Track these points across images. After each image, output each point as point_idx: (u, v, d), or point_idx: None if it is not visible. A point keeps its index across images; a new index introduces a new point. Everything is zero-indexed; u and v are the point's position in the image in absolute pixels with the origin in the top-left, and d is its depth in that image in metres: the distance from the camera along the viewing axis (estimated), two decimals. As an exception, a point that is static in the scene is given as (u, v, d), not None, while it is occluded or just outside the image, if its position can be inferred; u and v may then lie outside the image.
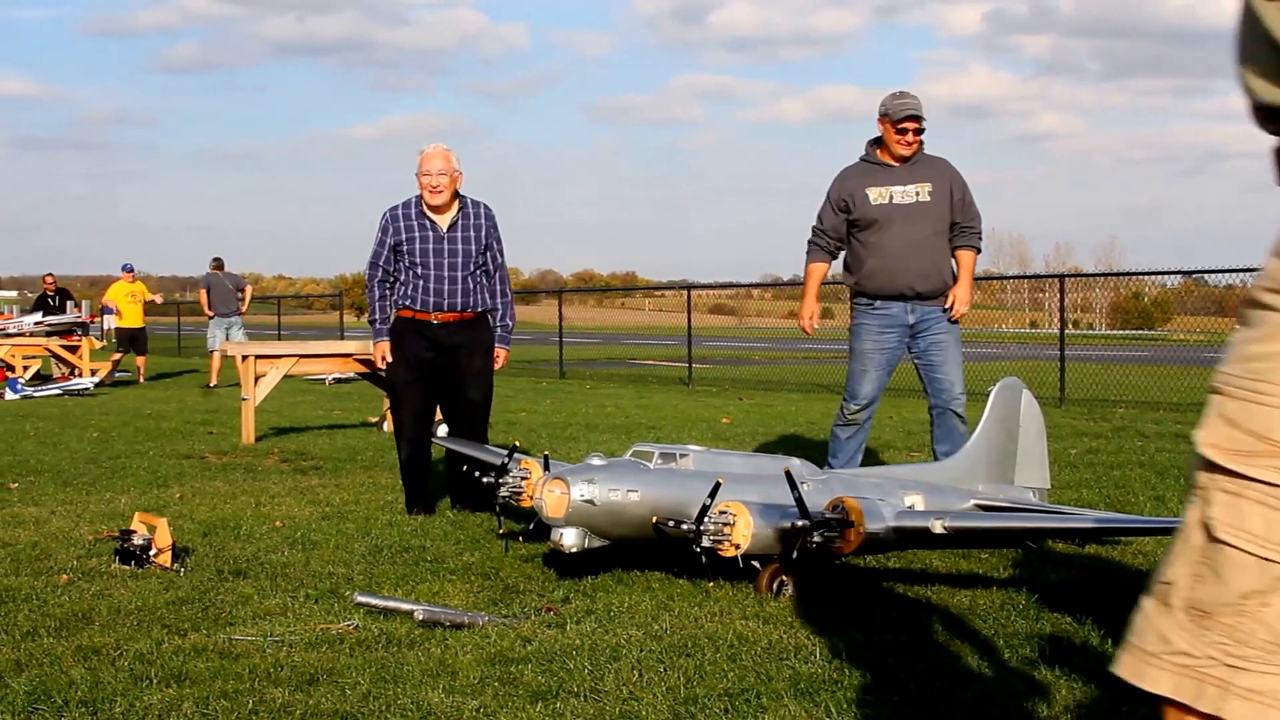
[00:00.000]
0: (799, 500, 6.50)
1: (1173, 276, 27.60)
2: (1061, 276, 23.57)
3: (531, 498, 7.38)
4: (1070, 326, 28.80)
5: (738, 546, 6.50)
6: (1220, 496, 1.91)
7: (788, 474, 6.62)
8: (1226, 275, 22.43)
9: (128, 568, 7.24)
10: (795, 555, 6.55)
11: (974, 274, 9.40)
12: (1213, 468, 1.92)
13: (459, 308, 9.42)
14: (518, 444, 8.25)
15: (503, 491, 7.74)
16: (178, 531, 7.95)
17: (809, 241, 9.51)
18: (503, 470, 7.81)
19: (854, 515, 6.54)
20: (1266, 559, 1.85)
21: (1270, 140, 1.90)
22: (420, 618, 6.03)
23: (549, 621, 6.09)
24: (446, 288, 9.35)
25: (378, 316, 9.54)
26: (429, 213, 9.40)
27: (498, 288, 9.73)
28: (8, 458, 13.04)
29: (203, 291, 27.34)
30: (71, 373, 25.57)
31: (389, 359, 9.50)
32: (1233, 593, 1.88)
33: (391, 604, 6.30)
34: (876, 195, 9.10)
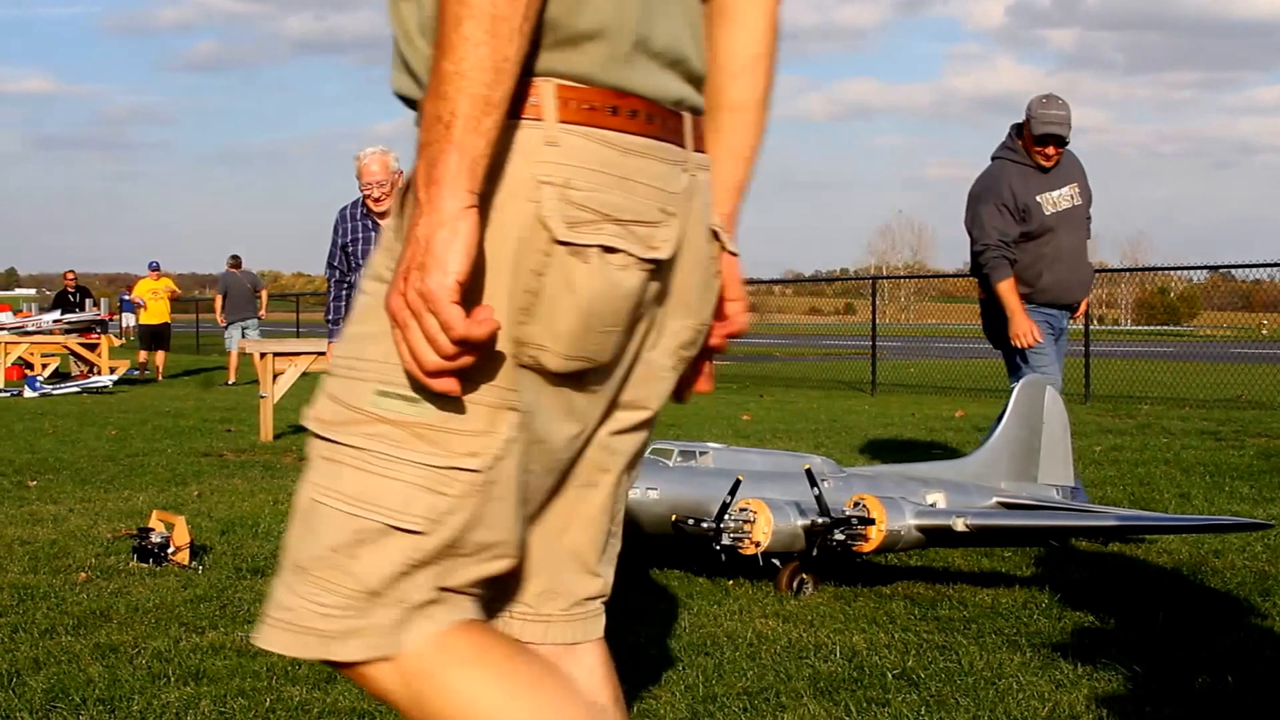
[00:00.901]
0: (820, 498, 6.47)
1: (1199, 271, 27.56)
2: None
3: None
4: (1095, 322, 28.74)
5: (758, 544, 6.46)
6: (320, 463, 2.11)
7: (808, 472, 6.59)
8: (1254, 270, 22.34)
9: (146, 566, 7.24)
10: (816, 553, 6.52)
11: None
12: (317, 439, 2.12)
13: None
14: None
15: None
16: (196, 529, 7.95)
17: (994, 256, 8.52)
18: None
19: (875, 513, 6.51)
20: (352, 514, 2.05)
21: None
22: (438, 616, 6.00)
23: (568, 620, 6.05)
24: None
25: (331, 316, 9.50)
26: (374, 214, 9.34)
27: None
28: (26, 455, 13.06)
29: (219, 296, 27.31)
30: (90, 370, 25.64)
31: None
32: (324, 547, 2.07)
33: (409, 602, 6.27)
34: (1049, 204, 8.56)
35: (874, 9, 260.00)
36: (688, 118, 2.22)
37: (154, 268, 29.05)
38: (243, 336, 25.89)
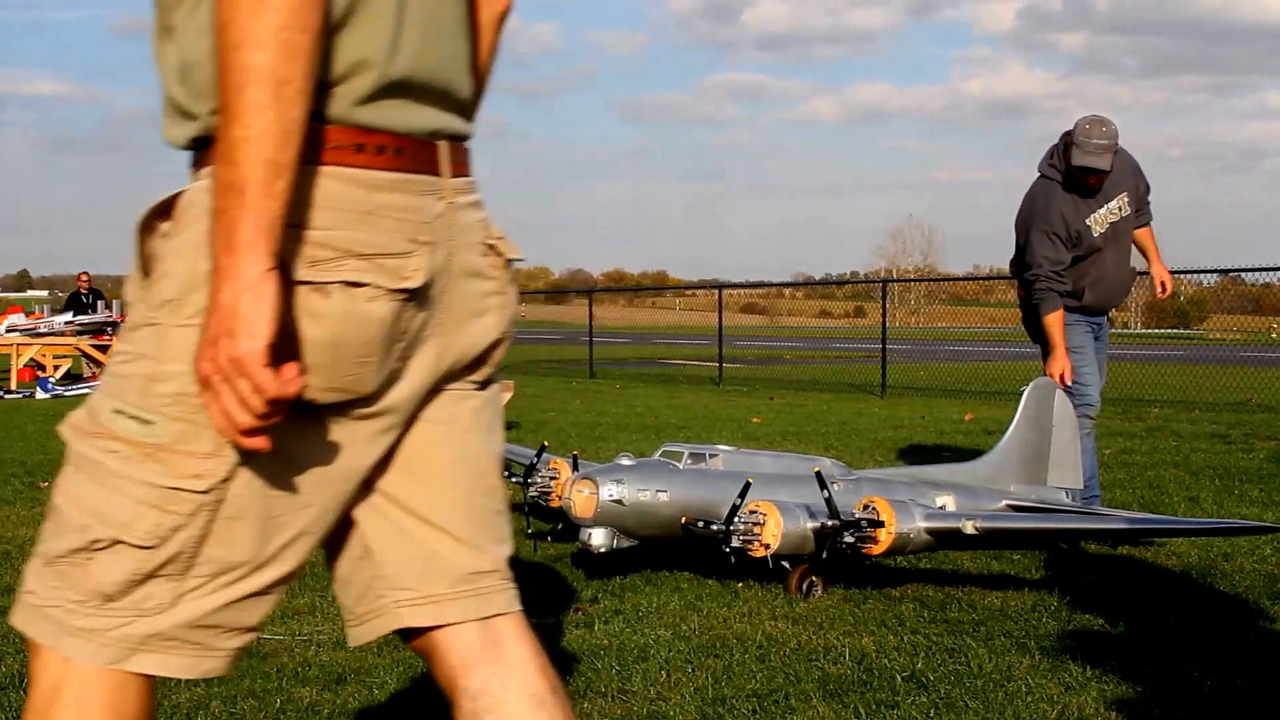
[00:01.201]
0: (829, 500, 6.48)
1: (1209, 275, 27.51)
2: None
3: (560, 497, 7.37)
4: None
5: (767, 547, 6.48)
6: (68, 467, 2.22)
7: (818, 474, 6.60)
8: (1264, 274, 22.31)
9: (158, 566, 7.26)
10: (825, 556, 6.54)
11: None
12: (70, 444, 2.24)
13: None
14: (546, 444, 8.24)
15: (531, 491, 7.73)
16: (208, 530, 7.97)
17: (1043, 288, 8.49)
18: (531, 470, 7.79)
19: (885, 515, 6.52)
20: (85, 524, 2.16)
21: None
22: (449, 617, 6.02)
23: (577, 621, 6.08)
24: None
25: None
26: None
27: None
28: (38, 456, 13.08)
29: None
30: (101, 372, 25.66)
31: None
32: (65, 547, 2.18)
33: (420, 603, 6.29)
34: (1098, 224, 8.50)
35: (885, 12, 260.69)
36: (444, 146, 2.28)
37: None
38: None
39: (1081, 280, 8.58)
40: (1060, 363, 8.53)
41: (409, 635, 2.47)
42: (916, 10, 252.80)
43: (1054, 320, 8.51)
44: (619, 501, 6.68)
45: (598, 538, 6.72)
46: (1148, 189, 8.80)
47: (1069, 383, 8.51)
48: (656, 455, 7.15)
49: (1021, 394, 8.23)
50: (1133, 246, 8.82)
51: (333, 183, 2.12)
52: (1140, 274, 9.67)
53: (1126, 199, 8.56)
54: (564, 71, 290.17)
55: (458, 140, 2.33)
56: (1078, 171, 8.33)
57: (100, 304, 28.41)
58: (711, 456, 7.12)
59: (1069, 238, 8.46)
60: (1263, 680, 5.07)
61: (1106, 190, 8.50)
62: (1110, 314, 9.00)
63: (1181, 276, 32.56)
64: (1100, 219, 8.51)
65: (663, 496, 6.75)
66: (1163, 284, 8.89)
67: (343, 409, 2.23)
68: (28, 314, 29.07)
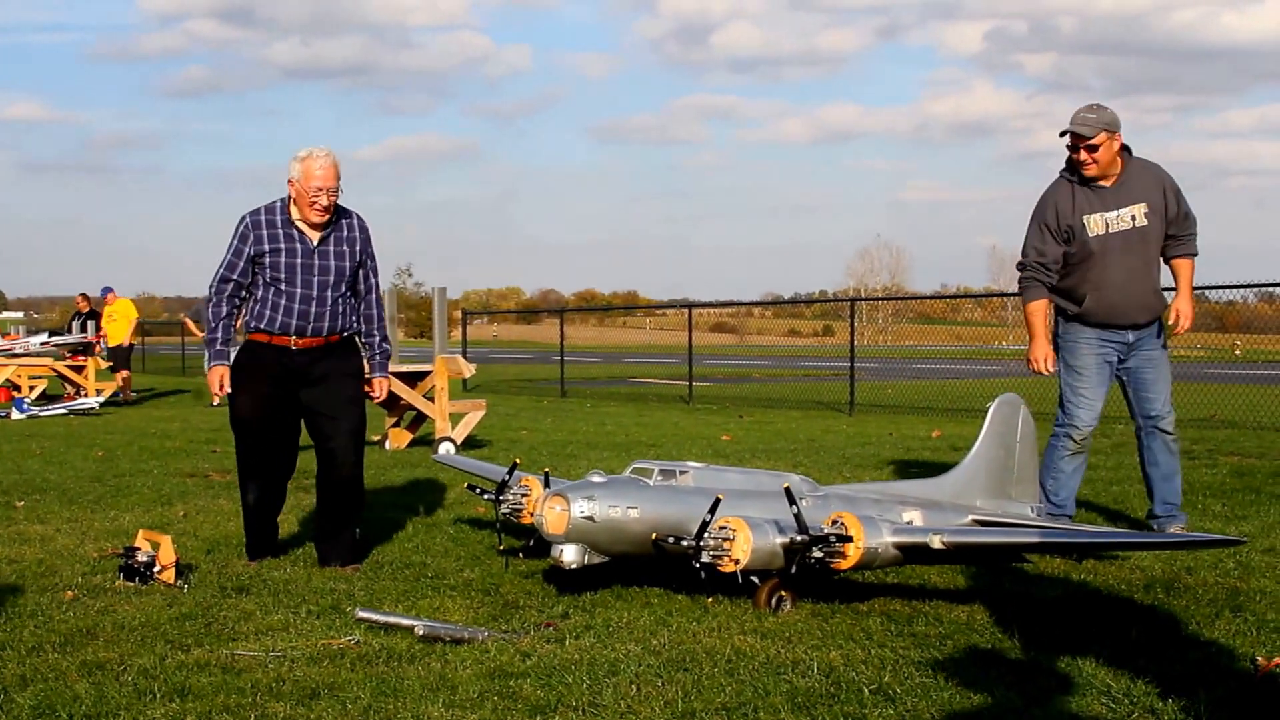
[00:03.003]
0: (798, 516, 6.54)
1: (1171, 292, 27.64)
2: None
3: (532, 514, 7.42)
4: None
5: (737, 562, 6.53)
6: None
7: (787, 490, 6.66)
8: (1227, 291, 22.45)
9: (132, 584, 7.29)
10: (794, 571, 6.60)
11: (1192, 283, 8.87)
12: None
13: (324, 332, 8.10)
14: (518, 461, 8.29)
15: (503, 508, 7.78)
16: (181, 549, 8.01)
17: (1026, 276, 8.74)
18: (503, 487, 7.83)
19: (853, 531, 6.59)
20: None
21: None
22: (421, 633, 6.08)
23: (548, 637, 6.13)
24: (314, 309, 8.03)
25: (219, 336, 8.08)
26: (299, 222, 8.05)
27: (374, 311, 8.38)
28: (14, 476, 13.08)
29: (190, 321, 27.23)
30: (77, 392, 25.62)
31: (227, 388, 8.09)
32: None
33: (392, 619, 6.35)
34: (1094, 226, 8.53)
35: (854, 35, 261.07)
36: None
37: (108, 291, 29.09)
38: None
39: (1081, 285, 8.63)
40: (1038, 349, 8.71)
41: None
42: (885, 33, 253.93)
43: (1034, 309, 8.71)
44: (590, 518, 6.72)
45: (569, 554, 6.77)
46: (1184, 214, 8.67)
47: (1046, 371, 8.71)
48: (627, 472, 7.20)
49: (987, 411, 8.31)
50: (1158, 264, 8.72)
51: None
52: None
53: (1145, 211, 8.54)
54: (536, 93, 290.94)
55: None
56: (1068, 146, 8.48)
57: (90, 325, 28.34)
58: (681, 473, 7.18)
59: (1059, 230, 8.58)
60: (1226, 692, 5.15)
61: (1119, 196, 8.53)
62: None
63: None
64: (1100, 221, 8.53)
65: (633, 513, 6.80)
66: (1177, 317, 8.71)
67: None
68: (3, 335, 28.99)
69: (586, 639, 6.09)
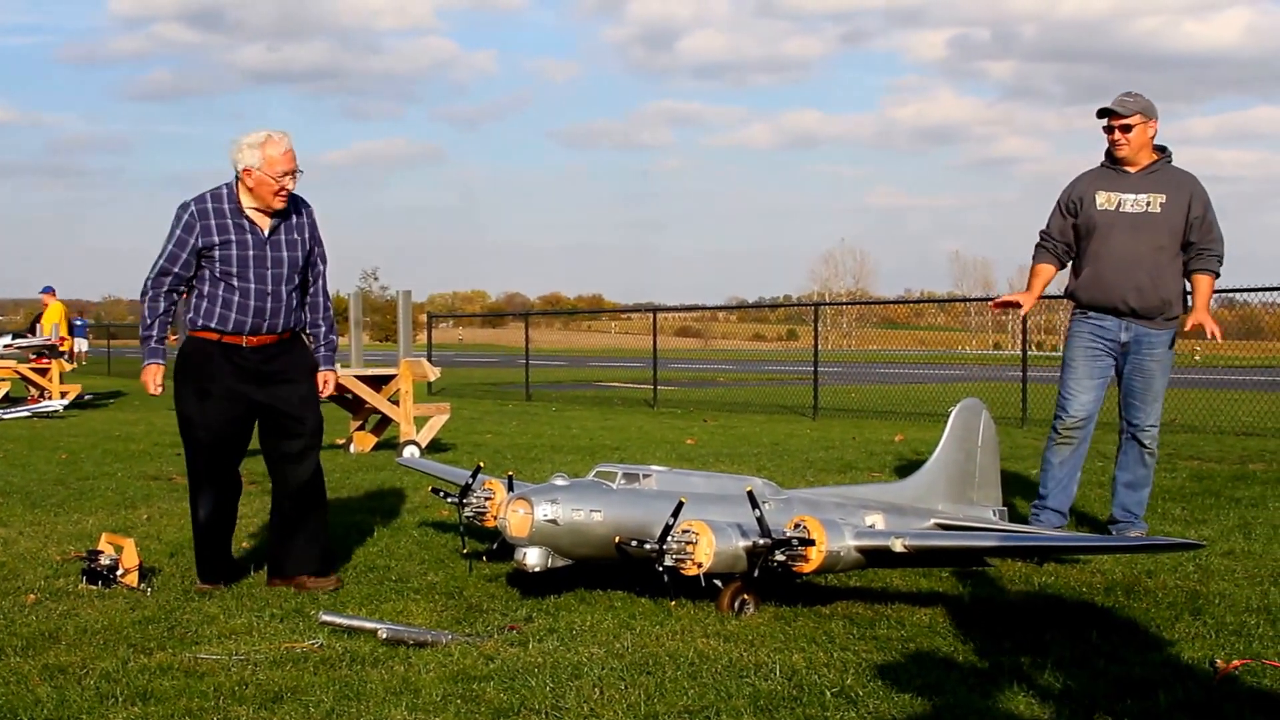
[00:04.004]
0: (761, 519, 6.57)
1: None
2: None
3: (495, 518, 7.43)
4: (1033, 348, 28.96)
5: (700, 565, 6.56)
6: None
7: (750, 494, 6.69)
8: (1186, 298, 22.57)
9: (95, 588, 7.27)
10: (757, 574, 6.62)
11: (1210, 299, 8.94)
12: None
13: (279, 328, 7.65)
14: (482, 464, 8.29)
15: (467, 511, 7.77)
16: (145, 552, 7.98)
17: (1037, 245, 9.05)
18: (467, 490, 7.83)
19: (815, 534, 6.62)
20: None
21: None
22: (384, 636, 6.08)
23: (512, 640, 6.14)
24: (269, 305, 7.57)
25: (155, 333, 7.54)
26: (250, 211, 7.54)
27: (320, 300, 7.92)
28: (-27, 479, 13.01)
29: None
30: (41, 395, 25.50)
31: (160, 387, 7.63)
32: None
33: (356, 623, 6.35)
34: (1104, 200, 8.69)
35: (819, 42, 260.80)
36: None
37: (47, 291, 29.02)
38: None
39: (1082, 258, 8.87)
40: (1015, 296, 9.06)
41: None
42: (849, 39, 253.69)
43: (1037, 270, 9.05)
44: (554, 521, 6.74)
45: (532, 557, 6.77)
46: (1208, 224, 8.70)
47: (995, 311, 9.00)
48: (591, 475, 7.21)
49: (949, 415, 8.36)
50: (1172, 259, 8.71)
51: None
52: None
53: (1163, 201, 8.63)
54: (501, 98, 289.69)
55: None
56: (1104, 127, 8.72)
57: (55, 328, 28.20)
58: (645, 477, 7.19)
59: (1068, 202, 8.86)
60: (1185, 694, 5.20)
61: (1142, 183, 8.69)
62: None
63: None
64: (1111, 197, 8.68)
65: (597, 516, 6.82)
66: (1198, 327, 8.75)
67: None
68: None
69: (550, 642, 6.10)
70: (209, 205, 7.48)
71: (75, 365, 28.24)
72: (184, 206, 7.49)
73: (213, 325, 7.51)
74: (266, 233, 7.55)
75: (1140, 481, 8.89)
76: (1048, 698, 5.19)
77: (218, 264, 7.44)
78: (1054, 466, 8.86)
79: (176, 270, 7.46)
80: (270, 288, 7.55)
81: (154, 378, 7.62)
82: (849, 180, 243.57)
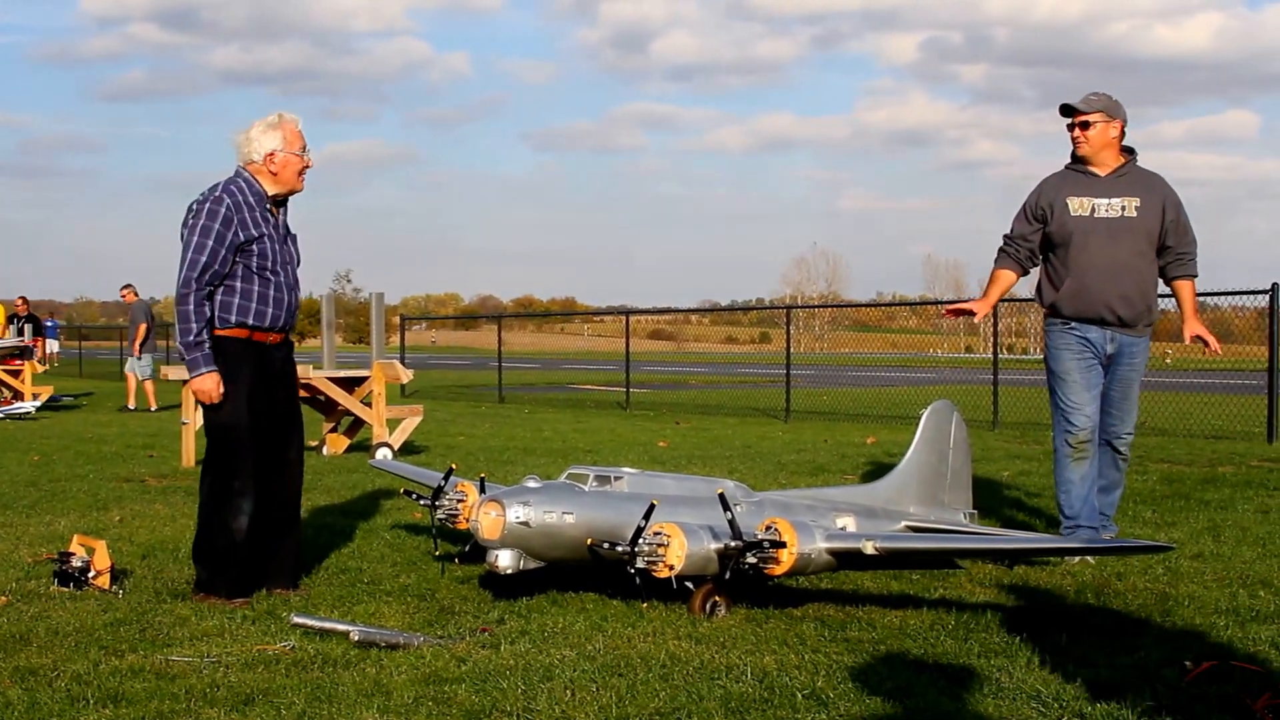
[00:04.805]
0: (732, 522, 6.59)
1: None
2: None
3: (467, 520, 7.43)
4: (1004, 351, 29.08)
5: (672, 567, 6.57)
6: None
7: (721, 496, 6.70)
8: (1160, 300, 22.68)
9: (66, 590, 7.25)
10: (728, 576, 6.64)
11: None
12: None
13: (293, 325, 7.54)
14: (455, 466, 8.29)
15: (439, 514, 7.77)
16: (117, 554, 7.97)
17: (999, 249, 8.85)
18: (439, 493, 7.83)
19: (787, 536, 6.64)
20: None
21: None
22: (356, 638, 6.08)
23: (483, 642, 6.15)
24: (293, 299, 7.45)
25: (206, 339, 7.14)
26: (276, 200, 7.41)
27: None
28: (-57, 481, 12.95)
29: (143, 325, 26.87)
30: (14, 397, 25.40)
31: (222, 395, 7.20)
32: None
33: (328, 625, 6.35)
34: (1077, 206, 8.49)
35: (792, 44, 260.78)
36: None
37: None
38: (139, 361, 26.14)
39: (1062, 268, 8.59)
40: (970, 303, 8.88)
41: None
42: (822, 42, 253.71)
43: (996, 276, 8.88)
44: (525, 523, 6.74)
45: (504, 559, 6.78)
46: (1184, 227, 8.62)
47: (949, 314, 8.98)
48: (563, 478, 7.22)
49: (920, 417, 8.39)
50: (1150, 263, 8.62)
51: None
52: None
53: (1138, 205, 8.47)
54: (474, 100, 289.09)
55: None
56: (1067, 125, 8.58)
57: (29, 329, 28.08)
58: (617, 479, 7.20)
59: (1035, 207, 8.64)
60: (1154, 697, 5.23)
61: (1113, 187, 8.51)
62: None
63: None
64: (1084, 203, 8.49)
65: (569, 518, 6.82)
66: (1196, 340, 8.79)
67: None
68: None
69: (522, 644, 6.11)
70: (240, 198, 7.20)
71: (47, 367, 28.06)
72: (217, 200, 7.17)
73: (250, 322, 7.24)
74: (282, 223, 7.44)
75: (1112, 485, 8.87)
76: (1017, 699, 5.22)
77: (255, 258, 7.19)
78: (1075, 484, 8.58)
79: (217, 267, 7.11)
80: (294, 280, 7.45)
81: (216, 385, 7.15)
82: (822, 183, 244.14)
